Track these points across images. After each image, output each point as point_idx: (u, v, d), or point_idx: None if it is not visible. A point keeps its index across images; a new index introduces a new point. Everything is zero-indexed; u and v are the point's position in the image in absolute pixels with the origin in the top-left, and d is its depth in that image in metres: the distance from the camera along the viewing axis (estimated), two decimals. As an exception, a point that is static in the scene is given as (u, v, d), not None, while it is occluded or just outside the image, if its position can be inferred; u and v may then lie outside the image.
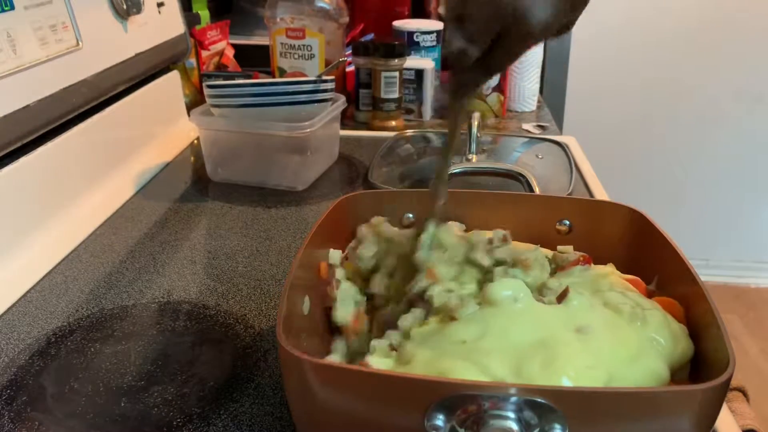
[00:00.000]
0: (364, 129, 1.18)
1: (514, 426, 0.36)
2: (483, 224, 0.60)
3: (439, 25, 1.28)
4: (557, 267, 0.56)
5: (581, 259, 0.55)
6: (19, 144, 0.71)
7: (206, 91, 0.90)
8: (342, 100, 0.98)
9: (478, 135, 0.95)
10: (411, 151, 1.05)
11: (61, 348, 0.59)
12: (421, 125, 1.21)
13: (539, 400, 0.36)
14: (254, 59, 1.35)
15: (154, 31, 1.02)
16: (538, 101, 1.34)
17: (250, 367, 0.57)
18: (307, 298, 0.51)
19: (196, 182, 0.96)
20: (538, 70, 1.33)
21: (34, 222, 0.74)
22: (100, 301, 0.67)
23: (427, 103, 1.22)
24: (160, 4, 1.04)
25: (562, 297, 0.48)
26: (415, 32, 1.25)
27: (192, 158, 1.06)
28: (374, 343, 0.48)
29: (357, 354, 0.51)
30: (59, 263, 0.74)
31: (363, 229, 0.59)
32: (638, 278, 0.54)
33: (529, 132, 1.17)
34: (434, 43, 1.27)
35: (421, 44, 1.26)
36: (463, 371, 0.41)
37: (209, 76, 1.19)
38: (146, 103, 1.01)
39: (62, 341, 0.60)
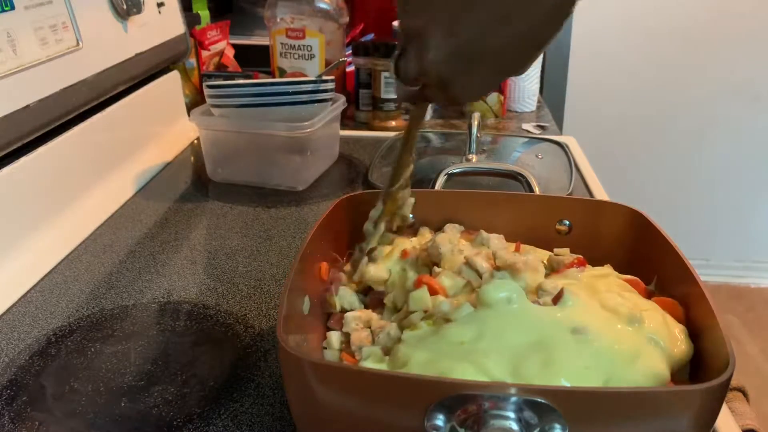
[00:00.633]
0: (364, 129, 1.18)
1: (514, 426, 0.36)
2: (483, 224, 0.60)
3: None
4: (552, 270, 0.56)
5: (575, 261, 0.55)
6: (19, 144, 0.71)
7: (206, 91, 0.90)
8: (342, 100, 0.98)
9: (478, 135, 0.95)
10: (411, 151, 1.05)
11: (61, 348, 0.59)
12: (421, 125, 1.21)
13: (539, 400, 0.36)
14: (254, 59, 1.35)
15: (154, 31, 1.02)
16: (538, 101, 1.34)
17: (250, 367, 0.57)
18: (307, 298, 0.51)
19: (196, 182, 0.96)
20: (538, 70, 1.34)
21: (34, 222, 0.74)
22: (100, 301, 0.67)
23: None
24: (160, 4, 1.04)
25: (557, 299, 0.48)
26: (415, 32, 1.25)
27: (192, 158, 1.06)
28: (366, 349, 0.48)
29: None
30: (59, 263, 0.74)
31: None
32: (637, 278, 0.54)
33: (528, 132, 1.17)
34: (434, 43, 1.27)
35: (421, 44, 1.26)
36: (462, 372, 0.41)
37: (209, 76, 1.19)
38: (146, 103, 1.01)
39: (62, 341, 0.60)
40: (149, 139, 1.02)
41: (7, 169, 0.69)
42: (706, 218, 2.31)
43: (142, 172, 0.96)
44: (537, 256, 0.56)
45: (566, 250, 0.59)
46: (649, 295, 0.52)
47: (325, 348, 0.52)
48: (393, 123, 1.17)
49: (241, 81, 0.93)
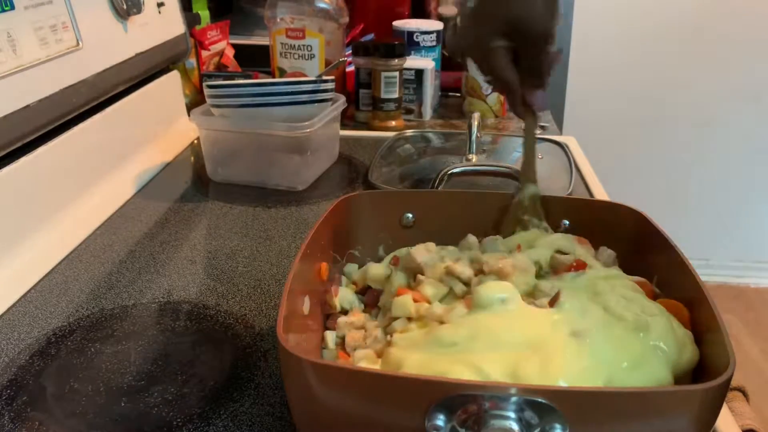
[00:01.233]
0: (364, 129, 1.18)
1: (514, 426, 0.36)
2: (483, 224, 0.60)
3: (439, 25, 1.27)
4: (553, 270, 0.56)
5: (573, 264, 0.55)
6: (19, 144, 0.71)
7: (206, 91, 0.90)
8: (342, 100, 0.98)
9: (478, 135, 0.95)
10: (411, 151, 1.05)
11: (61, 348, 0.59)
12: (421, 125, 1.21)
13: (540, 400, 0.36)
14: (254, 59, 1.35)
15: (154, 31, 1.02)
16: (538, 101, 1.33)
17: (250, 367, 0.57)
18: (307, 298, 0.52)
19: (196, 182, 0.96)
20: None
21: (34, 222, 0.74)
22: (100, 301, 0.67)
23: (426, 103, 1.22)
24: (160, 4, 1.04)
25: (554, 301, 0.48)
26: (415, 32, 1.25)
27: (192, 158, 1.06)
28: (358, 353, 0.48)
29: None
30: (59, 263, 0.74)
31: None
32: (645, 280, 0.54)
33: (529, 132, 1.17)
34: (434, 43, 1.27)
35: (421, 44, 1.26)
36: (458, 373, 0.41)
37: (209, 76, 1.19)
38: (146, 103, 1.01)
39: (62, 341, 0.60)
40: (149, 139, 1.02)
41: (7, 169, 0.69)
42: (706, 218, 2.31)
43: (142, 172, 0.96)
44: (529, 255, 0.56)
45: (572, 239, 0.58)
46: (654, 297, 0.52)
47: (324, 348, 0.52)
48: (393, 123, 1.17)
49: (241, 81, 0.93)
